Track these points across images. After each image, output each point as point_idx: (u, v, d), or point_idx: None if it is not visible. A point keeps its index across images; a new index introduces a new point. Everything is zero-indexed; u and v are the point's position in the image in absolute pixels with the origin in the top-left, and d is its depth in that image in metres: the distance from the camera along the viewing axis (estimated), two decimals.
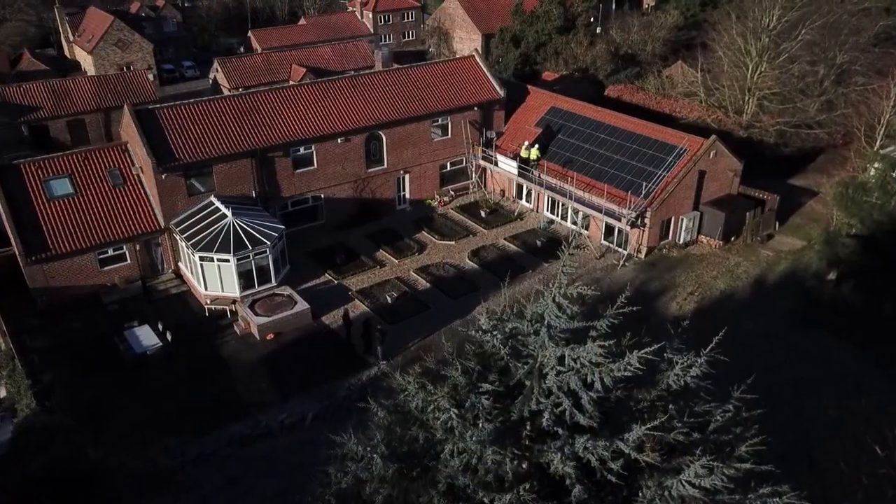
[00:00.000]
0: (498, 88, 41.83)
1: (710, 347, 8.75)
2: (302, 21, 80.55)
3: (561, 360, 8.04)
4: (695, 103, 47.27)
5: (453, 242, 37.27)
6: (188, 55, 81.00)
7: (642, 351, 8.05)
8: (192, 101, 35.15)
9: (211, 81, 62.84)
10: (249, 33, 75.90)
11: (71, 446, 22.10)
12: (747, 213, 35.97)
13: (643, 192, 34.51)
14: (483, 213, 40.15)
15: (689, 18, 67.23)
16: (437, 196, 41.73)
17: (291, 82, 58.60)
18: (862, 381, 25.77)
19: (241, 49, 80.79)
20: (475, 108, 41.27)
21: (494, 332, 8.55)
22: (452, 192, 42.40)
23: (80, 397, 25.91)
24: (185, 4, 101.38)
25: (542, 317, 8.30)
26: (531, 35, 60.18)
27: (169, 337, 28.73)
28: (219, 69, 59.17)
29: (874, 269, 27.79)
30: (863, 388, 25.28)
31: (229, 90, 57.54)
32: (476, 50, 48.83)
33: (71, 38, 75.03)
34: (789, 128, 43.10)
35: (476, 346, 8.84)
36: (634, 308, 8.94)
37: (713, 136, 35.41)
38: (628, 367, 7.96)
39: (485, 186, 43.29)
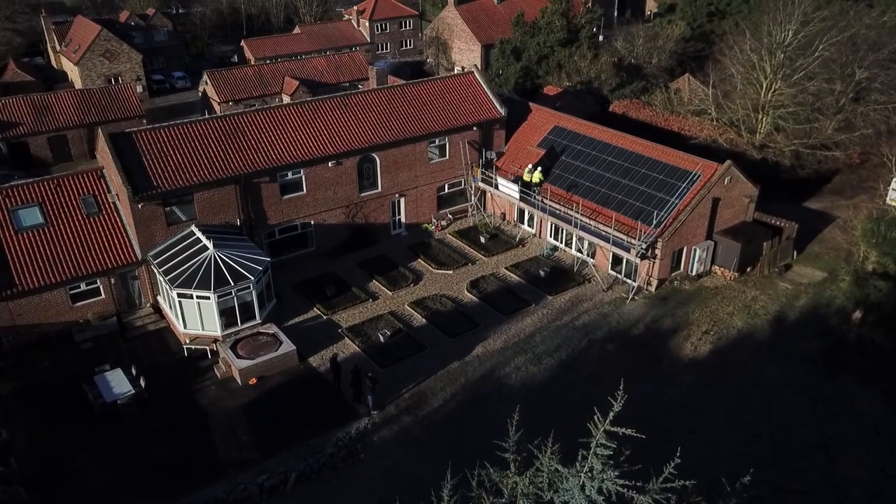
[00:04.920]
0: (498, 107, 39.64)
1: None
2: (297, 30, 78.29)
3: None
4: (705, 122, 45.05)
5: (451, 272, 35.07)
6: (179, 65, 78.74)
7: None
8: (171, 123, 32.93)
9: (200, 94, 60.65)
10: (243, 42, 73.70)
11: None
12: (765, 244, 33.70)
13: (654, 221, 32.32)
14: (483, 239, 37.94)
15: (695, 29, 65.04)
16: (433, 220, 39.55)
17: (284, 95, 56.57)
18: None
19: (235, 58, 78.59)
20: (474, 128, 39.09)
21: None
22: (450, 216, 40.22)
23: (41, 455, 23.65)
24: (179, 11, 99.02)
25: None
26: (533, 47, 57.90)
27: (143, 383, 26.49)
28: (208, 81, 56.97)
29: None
30: None
31: (219, 103, 55.41)
32: (476, 65, 46.65)
33: (57, 47, 72.80)
34: (805, 148, 40.90)
35: None
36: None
37: (728, 161, 33.22)
38: None
39: (484, 209, 41.10)
